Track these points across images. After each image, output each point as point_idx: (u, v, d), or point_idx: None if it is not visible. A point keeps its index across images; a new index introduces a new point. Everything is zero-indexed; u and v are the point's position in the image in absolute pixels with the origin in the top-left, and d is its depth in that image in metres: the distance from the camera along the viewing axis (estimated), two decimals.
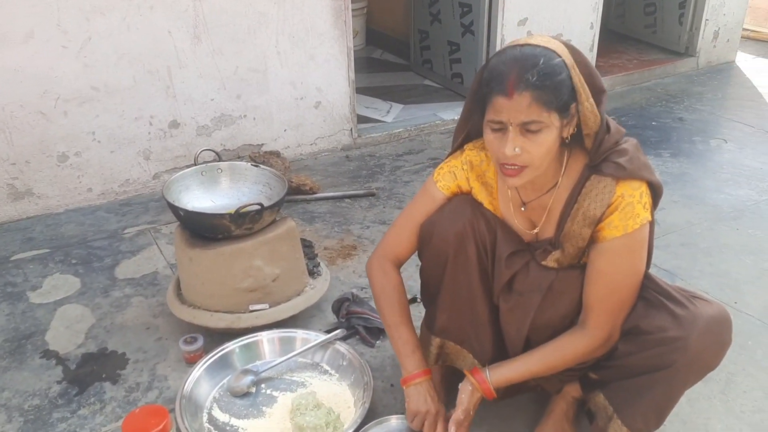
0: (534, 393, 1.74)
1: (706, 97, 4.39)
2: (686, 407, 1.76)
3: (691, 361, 1.33)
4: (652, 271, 1.48)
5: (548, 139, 1.29)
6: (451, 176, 1.56)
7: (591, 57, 4.34)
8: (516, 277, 1.52)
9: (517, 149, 1.30)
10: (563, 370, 1.50)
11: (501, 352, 1.61)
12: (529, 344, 1.58)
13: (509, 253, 1.50)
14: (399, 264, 1.66)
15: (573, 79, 1.29)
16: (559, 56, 1.28)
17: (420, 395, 1.57)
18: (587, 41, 4.28)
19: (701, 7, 4.78)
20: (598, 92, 1.33)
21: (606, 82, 4.48)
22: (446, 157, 1.59)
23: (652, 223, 1.42)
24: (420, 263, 1.66)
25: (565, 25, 4.13)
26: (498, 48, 3.89)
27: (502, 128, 1.31)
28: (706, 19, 4.80)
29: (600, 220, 1.38)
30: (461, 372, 1.65)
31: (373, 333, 2.05)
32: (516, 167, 1.33)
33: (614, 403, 1.47)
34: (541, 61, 1.26)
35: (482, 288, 1.56)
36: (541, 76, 1.25)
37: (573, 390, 1.67)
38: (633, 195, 1.35)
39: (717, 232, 2.70)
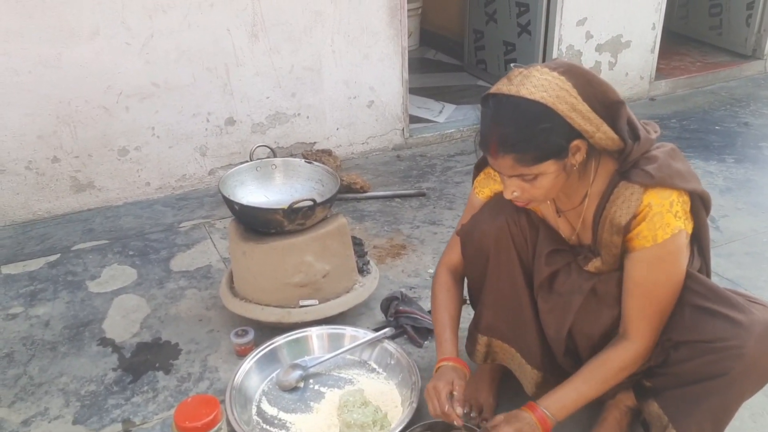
0: None
1: None
2: (749, 422, 1.68)
3: (747, 369, 1.27)
4: (714, 280, 1.42)
5: (545, 181, 1.31)
6: (486, 181, 1.59)
7: (652, 59, 4.22)
8: (557, 278, 1.50)
9: (515, 193, 1.35)
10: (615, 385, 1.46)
11: (549, 351, 1.59)
12: (577, 351, 1.55)
13: (550, 250, 1.49)
14: (455, 270, 1.68)
15: (573, 123, 1.24)
16: (549, 107, 1.23)
17: (434, 378, 1.54)
18: (648, 42, 4.15)
19: None
20: (612, 106, 1.28)
21: (667, 84, 4.37)
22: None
23: (703, 229, 1.39)
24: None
25: (625, 26, 4.01)
26: (555, 51, 3.83)
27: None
28: None
29: (628, 230, 1.34)
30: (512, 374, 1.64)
31: (422, 333, 2.03)
32: (521, 202, 1.39)
33: (669, 413, 1.42)
34: (519, 125, 1.24)
35: (525, 285, 1.55)
36: (520, 142, 1.25)
37: (627, 398, 1.62)
38: (662, 204, 1.30)
39: None
